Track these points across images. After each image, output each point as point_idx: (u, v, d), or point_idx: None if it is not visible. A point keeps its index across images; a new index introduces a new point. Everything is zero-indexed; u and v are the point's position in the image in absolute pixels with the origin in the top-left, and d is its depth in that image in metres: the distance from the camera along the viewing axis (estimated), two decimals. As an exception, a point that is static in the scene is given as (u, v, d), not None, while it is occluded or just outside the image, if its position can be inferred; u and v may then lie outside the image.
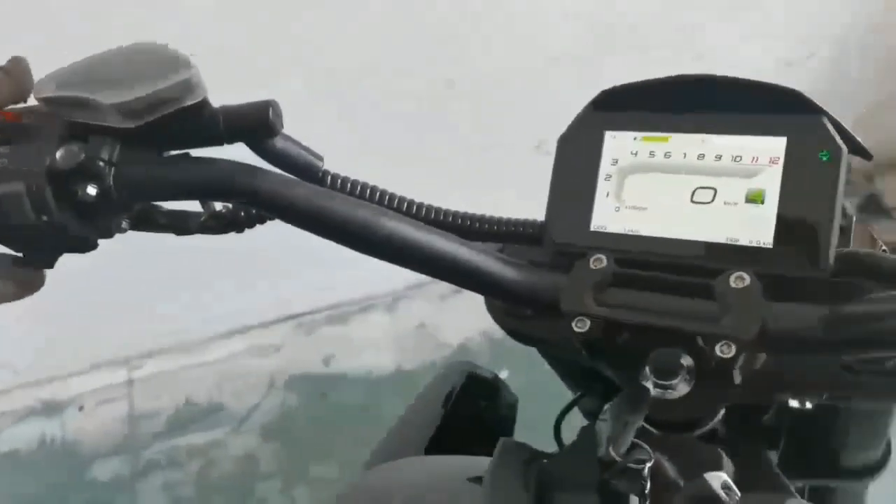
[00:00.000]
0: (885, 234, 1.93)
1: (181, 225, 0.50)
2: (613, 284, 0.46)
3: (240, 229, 0.50)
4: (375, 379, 2.01)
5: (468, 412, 0.74)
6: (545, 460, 0.45)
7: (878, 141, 2.61)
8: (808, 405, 0.67)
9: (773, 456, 0.65)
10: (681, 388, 0.43)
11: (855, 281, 0.43)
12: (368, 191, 0.50)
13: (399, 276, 2.27)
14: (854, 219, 0.57)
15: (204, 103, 0.43)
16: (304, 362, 2.10)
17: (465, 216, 0.52)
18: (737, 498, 0.40)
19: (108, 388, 2.07)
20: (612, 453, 0.39)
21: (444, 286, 2.29)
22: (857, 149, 0.45)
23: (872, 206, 2.61)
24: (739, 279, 0.42)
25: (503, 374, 1.83)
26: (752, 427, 0.64)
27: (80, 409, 2.03)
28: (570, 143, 0.50)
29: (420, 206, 0.52)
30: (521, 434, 0.71)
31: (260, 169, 0.45)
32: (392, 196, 0.51)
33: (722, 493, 0.40)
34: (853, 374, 0.47)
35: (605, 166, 0.49)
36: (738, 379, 0.43)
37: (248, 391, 2.03)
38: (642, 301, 0.45)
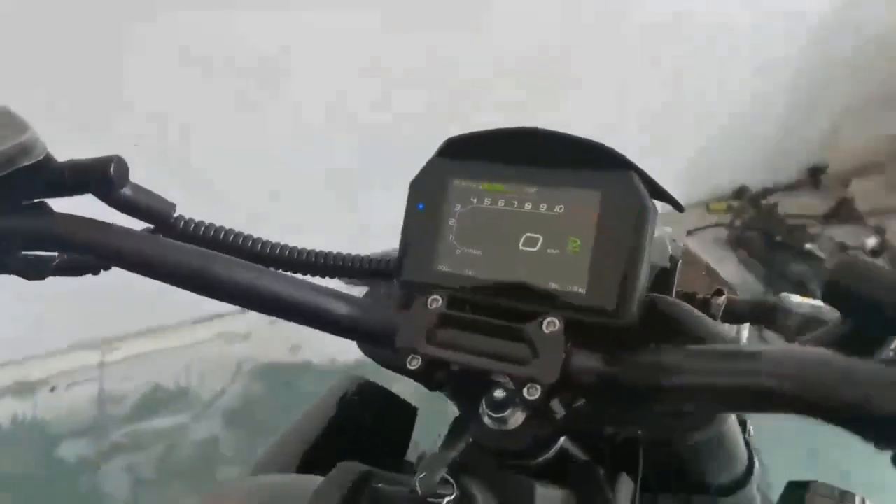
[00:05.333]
0: (855, 238, 1.95)
1: (34, 269, 0.52)
2: (444, 325, 0.49)
3: (94, 272, 0.54)
4: (340, 367, 2.06)
5: (358, 425, 0.77)
6: (380, 484, 0.48)
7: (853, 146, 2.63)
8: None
9: (628, 480, 0.69)
10: (514, 420, 0.46)
11: (658, 327, 0.46)
12: (223, 234, 0.53)
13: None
14: (679, 262, 0.60)
15: (46, 160, 0.47)
16: (270, 351, 2.16)
17: (318, 254, 0.56)
18: None
19: (80, 370, 2.14)
20: (417, 487, 0.44)
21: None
22: (667, 200, 0.48)
23: (844, 212, 2.62)
24: (551, 324, 0.45)
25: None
26: (609, 451, 0.68)
27: (52, 390, 2.09)
28: (420, 188, 0.53)
29: (274, 246, 0.55)
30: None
31: (89, 220, 0.49)
32: (245, 237, 0.54)
33: None
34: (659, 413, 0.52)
35: (449, 211, 0.52)
36: (559, 414, 0.46)
37: (214, 377, 2.10)
38: (467, 342, 0.48)
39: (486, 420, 0.47)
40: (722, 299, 0.56)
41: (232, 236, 0.54)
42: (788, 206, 2.65)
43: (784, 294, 0.54)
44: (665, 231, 0.56)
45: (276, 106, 2.00)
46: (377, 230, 2.18)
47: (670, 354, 0.42)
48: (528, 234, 0.49)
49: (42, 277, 0.52)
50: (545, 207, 0.49)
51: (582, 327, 0.46)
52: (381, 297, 0.62)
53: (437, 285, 0.51)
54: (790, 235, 2.45)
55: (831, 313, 0.53)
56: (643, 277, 0.46)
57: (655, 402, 0.46)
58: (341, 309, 0.51)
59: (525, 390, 0.44)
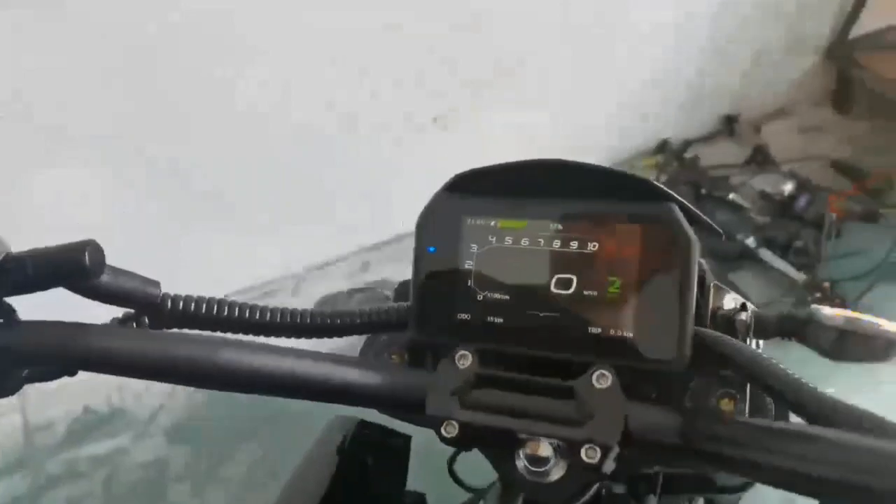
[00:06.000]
0: (773, 185, 1.98)
1: (1, 384, 0.44)
2: (478, 385, 0.44)
3: (72, 373, 0.46)
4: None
5: (359, 468, 0.73)
6: None
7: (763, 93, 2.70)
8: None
9: (653, 500, 0.68)
10: (554, 473, 0.43)
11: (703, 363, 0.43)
12: (216, 307, 0.48)
13: (301, 261, 2.24)
14: (712, 286, 0.58)
15: (7, 259, 0.40)
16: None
17: (325, 316, 0.50)
18: None
19: (-2, 402, 1.98)
20: None
21: (350, 267, 2.27)
22: (705, 227, 0.45)
23: (760, 158, 2.69)
24: (602, 377, 0.42)
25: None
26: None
27: (-31, 426, 1.93)
28: (428, 228, 0.48)
29: (274, 312, 0.49)
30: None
31: (61, 325, 0.43)
32: (241, 307, 0.48)
33: None
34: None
35: (465, 252, 0.47)
36: (609, 469, 0.43)
37: (150, 393, 1.97)
38: (507, 402, 0.43)
39: (524, 471, 0.43)
40: (747, 315, 0.53)
41: (227, 308, 0.48)
42: (709, 155, 2.71)
43: (815, 307, 0.52)
44: None
45: (273, 105, 1.91)
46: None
47: (752, 431, 0.39)
48: (560, 276, 0.45)
49: (12, 392, 0.44)
50: (576, 245, 0.44)
51: (627, 372, 0.42)
52: (382, 345, 0.57)
53: (460, 337, 0.46)
54: (714, 186, 2.51)
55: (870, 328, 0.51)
56: (692, 316, 0.43)
57: (725, 470, 0.44)
58: (363, 379, 0.46)
59: (583, 453, 0.40)
